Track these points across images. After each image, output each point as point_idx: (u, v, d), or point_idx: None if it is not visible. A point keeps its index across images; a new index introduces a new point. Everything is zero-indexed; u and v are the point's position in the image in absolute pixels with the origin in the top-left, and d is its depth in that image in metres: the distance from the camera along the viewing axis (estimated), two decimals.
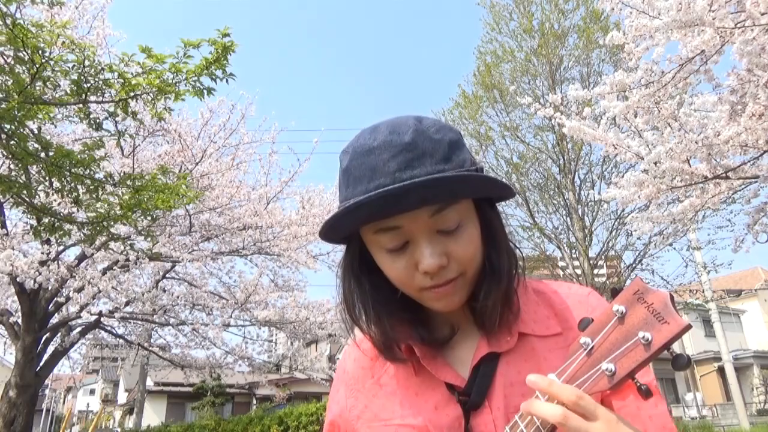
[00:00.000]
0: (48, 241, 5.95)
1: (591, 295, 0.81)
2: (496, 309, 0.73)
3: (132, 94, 3.74)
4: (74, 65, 3.55)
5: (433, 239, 0.68)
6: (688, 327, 0.54)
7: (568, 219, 10.70)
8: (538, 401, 0.58)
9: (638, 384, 0.57)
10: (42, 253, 5.69)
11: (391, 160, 0.66)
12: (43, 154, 3.84)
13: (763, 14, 2.93)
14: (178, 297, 7.92)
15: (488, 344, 0.74)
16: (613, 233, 10.43)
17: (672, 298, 0.56)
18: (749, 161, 3.98)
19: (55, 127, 5.79)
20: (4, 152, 3.86)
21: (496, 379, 0.72)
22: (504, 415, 0.69)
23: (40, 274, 5.57)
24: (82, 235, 4.60)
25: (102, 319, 7.01)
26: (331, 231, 0.72)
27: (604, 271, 11.65)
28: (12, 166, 4.47)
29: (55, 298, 6.83)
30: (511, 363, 0.73)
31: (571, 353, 0.61)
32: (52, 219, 4.33)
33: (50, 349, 7.30)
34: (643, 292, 0.58)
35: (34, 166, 4.25)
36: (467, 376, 0.74)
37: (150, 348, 9.08)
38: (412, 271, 0.70)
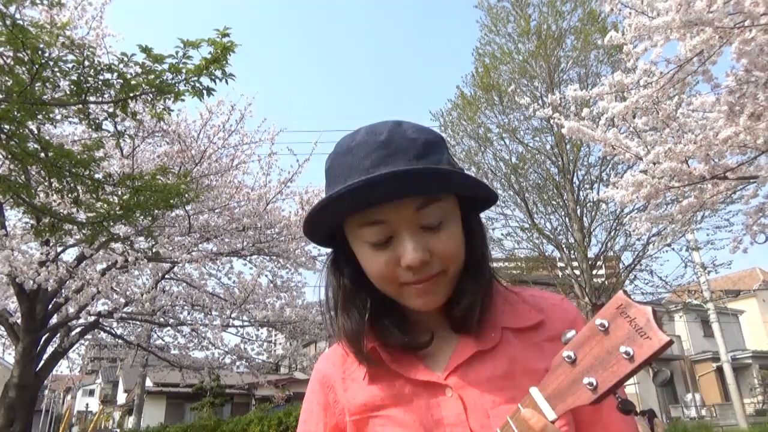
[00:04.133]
0: (47, 242, 5.95)
1: (564, 301, 0.84)
2: (474, 308, 0.75)
3: (131, 94, 3.74)
4: (74, 66, 3.55)
5: (416, 234, 0.70)
6: (670, 343, 0.54)
7: (567, 220, 10.70)
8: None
9: (619, 399, 0.58)
10: (41, 253, 5.69)
11: (365, 159, 0.70)
12: (42, 155, 3.84)
13: (762, 15, 2.95)
14: (177, 298, 7.91)
15: (475, 344, 0.75)
16: (612, 234, 10.45)
17: (655, 313, 0.56)
18: (747, 161, 3.99)
19: (55, 127, 5.79)
20: (4, 152, 3.86)
21: (472, 374, 0.73)
22: (481, 410, 0.70)
23: (39, 274, 5.56)
24: (82, 235, 4.59)
25: (101, 319, 7.01)
26: (311, 227, 0.76)
27: (602, 271, 11.65)
28: (12, 167, 4.47)
29: (55, 299, 6.83)
30: (487, 359, 0.74)
31: (555, 367, 0.61)
32: (52, 219, 4.33)
33: (49, 349, 7.29)
34: (626, 307, 0.58)
35: (34, 167, 4.25)
36: (442, 373, 0.74)
37: (149, 349, 9.07)
38: (394, 267, 0.71)
